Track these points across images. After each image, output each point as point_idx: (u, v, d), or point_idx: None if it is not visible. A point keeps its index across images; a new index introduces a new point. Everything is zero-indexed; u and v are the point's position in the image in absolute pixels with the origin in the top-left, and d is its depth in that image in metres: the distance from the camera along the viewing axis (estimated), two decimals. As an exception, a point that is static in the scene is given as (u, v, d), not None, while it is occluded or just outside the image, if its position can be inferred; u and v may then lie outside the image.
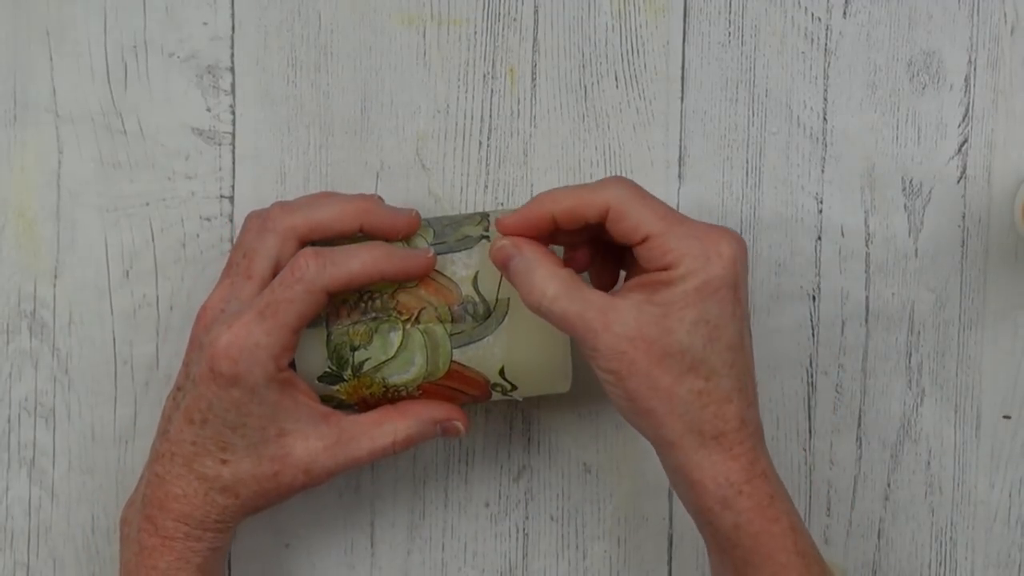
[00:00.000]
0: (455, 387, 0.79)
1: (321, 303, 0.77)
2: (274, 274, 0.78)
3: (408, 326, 0.78)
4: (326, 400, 0.79)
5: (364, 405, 0.80)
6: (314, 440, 0.78)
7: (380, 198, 0.81)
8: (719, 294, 0.74)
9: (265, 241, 0.78)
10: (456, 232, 0.80)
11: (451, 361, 0.78)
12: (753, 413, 0.76)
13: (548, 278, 0.75)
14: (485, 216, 0.80)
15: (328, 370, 0.79)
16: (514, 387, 0.79)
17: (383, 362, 0.78)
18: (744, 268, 0.76)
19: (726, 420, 0.75)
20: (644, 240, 0.75)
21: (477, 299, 0.78)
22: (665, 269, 0.75)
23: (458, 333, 0.78)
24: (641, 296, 0.75)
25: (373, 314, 0.78)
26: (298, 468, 0.78)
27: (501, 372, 0.79)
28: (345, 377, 0.79)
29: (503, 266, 0.77)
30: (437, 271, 0.78)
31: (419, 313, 0.78)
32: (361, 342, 0.78)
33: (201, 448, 0.78)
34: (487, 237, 0.79)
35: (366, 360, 0.78)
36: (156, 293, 0.85)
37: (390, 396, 0.79)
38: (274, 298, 0.76)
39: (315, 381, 0.79)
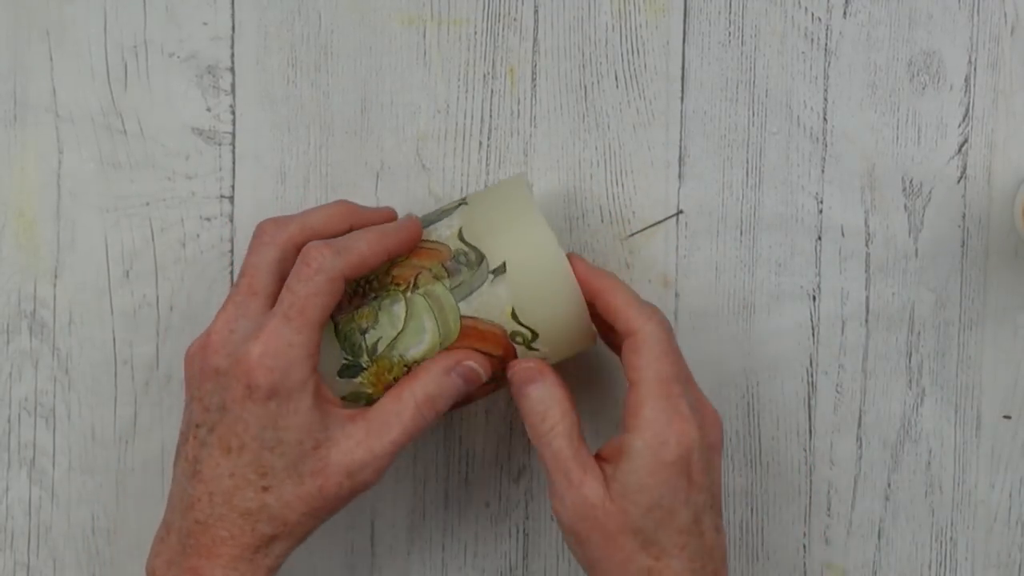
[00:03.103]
0: (474, 348, 0.79)
1: (340, 291, 0.76)
2: (278, 288, 0.77)
3: (408, 293, 0.78)
4: (354, 398, 0.79)
5: None
6: (345, 441, 0.76)
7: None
8: (670, 482, 0.76)
9: (264, 255, 0.78)
10: (434, 211, 0.80)
11: (460, 317, 0.78)
12: None
13: (565, 413, 0.77)
14: (462, 199, 0.80)
15: (345, 361, 0.78)
16: (535, 334, 0.78)
17: (395, 337, 0.78)
18: (706, 451, 0.77)
19: None
20: (632, 385, 0.77)
21: (466, 248, 0.78)
22: (626, 430, 0.76)
23: (458, 286, 0.78)
24: (609, 467, 0.77)
25: (373, 295, 0.78)
26: (340, 474, 0.76)
27: (513, 315, 0.78)
28: (363, 364, 0.78)
29: (522, 386, 0.77)
30: (423, 240, 0.78)
31: (416, 278, 0.78)
32: (368, 323, 0.78)
33: (240, 479, 0.75)
34: (465, 203, 0.79)
35: (378, 340, 0.78)
36: (156, 293, 0.85)
37: None
38: (295, 298, 0.75)
39: (336, 378, 0.78)
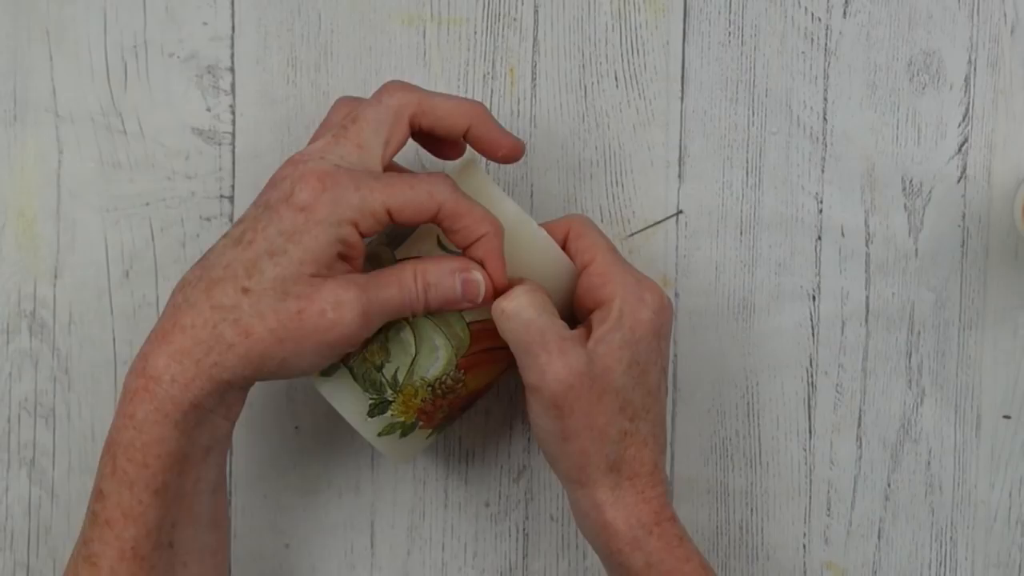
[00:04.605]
0: (492, 347, 0.79)
1: (424, 212, 0.74)
2: (376, 147, 0.75)
3: (410, 317, 0.78)
4: (391, 431, 0.78)
5: (426, 416, 0.79)
6: (344, 281, 0.74)
7: None
8: (647, 339, 0.77)
9: (378, 112, 0.75)
10: (405, 234, 0.80)
11: (467, 323, 0.78)
12: (663, 461, 0.79)
13: (533, 290, 0.76)
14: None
15: (372, 401, 0.78)
16: None
17: (411, 363, 0.77)
18: (669, 321, 0.79)
19: (642, 463, 0.78)
20: (590, 263, 0.78)
21: (450, 253, 0.77)
22: (600, 303, 0.77)
23: None
24: (582, 331, 0.77)
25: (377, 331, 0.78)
26: (326, 301, 0.73)
27: None
28: (389, 398, 0.78)
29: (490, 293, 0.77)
30: (403, 258, 0.78)
31: None
32: (382, 358, 0.77)
33: (229, 272, 0.73)
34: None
35: (396, 370, 0.77)
36: (156, 293, 0.85)
37: (441, 392, 0.78)
38: (404, 185, 0.73)
39: (368, 419, 0.78)
